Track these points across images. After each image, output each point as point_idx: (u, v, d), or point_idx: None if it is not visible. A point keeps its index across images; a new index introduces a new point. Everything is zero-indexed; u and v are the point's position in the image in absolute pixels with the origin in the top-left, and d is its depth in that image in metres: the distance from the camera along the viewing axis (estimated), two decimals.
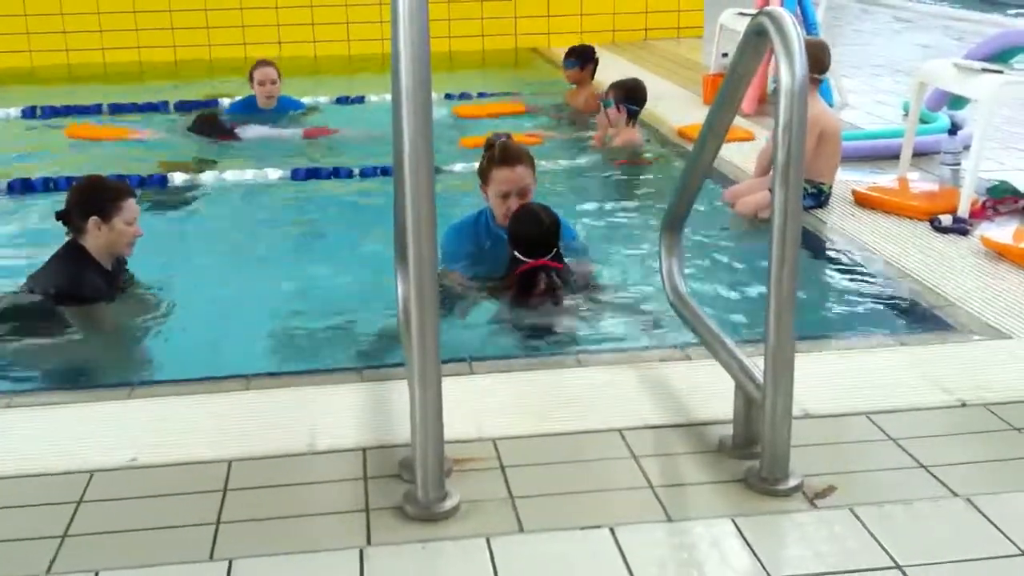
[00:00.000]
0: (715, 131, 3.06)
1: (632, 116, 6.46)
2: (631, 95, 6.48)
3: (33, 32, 10.86)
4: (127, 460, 2.81)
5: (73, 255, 4.03)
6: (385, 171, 5.82)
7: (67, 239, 4.07)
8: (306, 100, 8.16)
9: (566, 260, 4.14)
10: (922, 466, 2.74)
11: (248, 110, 7.65)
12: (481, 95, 8.73)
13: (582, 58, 7.67)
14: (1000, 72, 5.01)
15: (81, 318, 3.98)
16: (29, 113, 8.40)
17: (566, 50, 7.87)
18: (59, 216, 4.07)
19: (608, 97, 6.51)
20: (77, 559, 2.40)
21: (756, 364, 2.71)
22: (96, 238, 4.00)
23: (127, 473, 2.77)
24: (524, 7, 11.39)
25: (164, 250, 4.81)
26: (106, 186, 4.15)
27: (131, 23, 10.87)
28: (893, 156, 5.66)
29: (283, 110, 7.70)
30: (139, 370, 3.88)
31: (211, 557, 2.40)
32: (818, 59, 5.08)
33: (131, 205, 4.05)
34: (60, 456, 2.85)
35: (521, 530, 2.48)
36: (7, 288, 4.11)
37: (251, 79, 7.60)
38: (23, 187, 6.04)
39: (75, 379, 3.74)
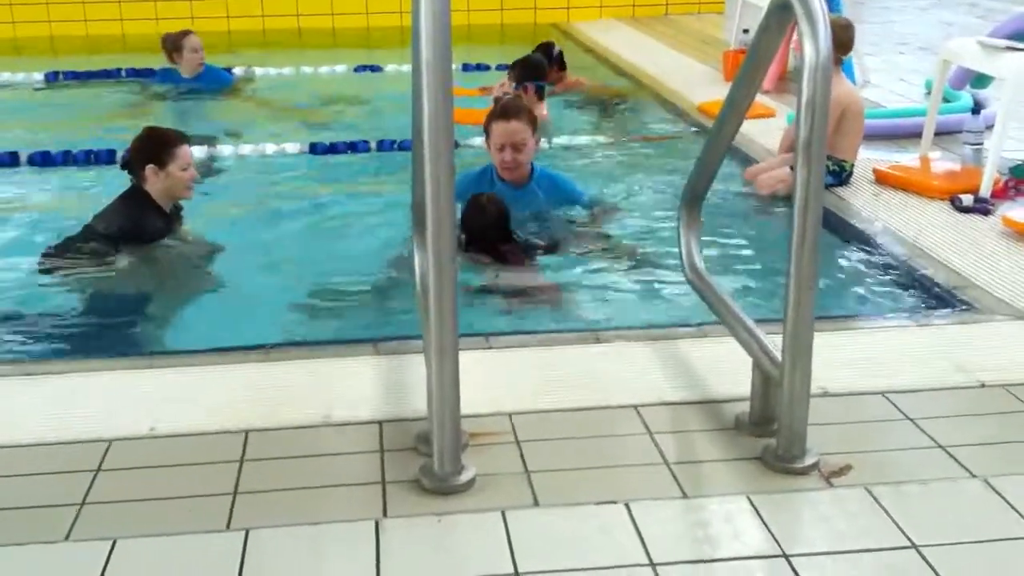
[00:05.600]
0: (736, 108, 3.03)
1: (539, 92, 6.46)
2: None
3: (52, 2, 10.85)
4: (145, 429, 2.83)
5: (136, 198, 4.35)
6: (403, 146, 5.81)
7: (131, 183, 4.37)
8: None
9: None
10: (939, 446, 2.73)
11: (175, 80, 7.81)
12: (500, 67, 8.69)
13: (547, 62, 7.25)
14: None
15: (138, 255, 4.29)
16: (52, 78, 8.51)
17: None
18: (123, 166, 4.41)
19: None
20: (95, 527, 2.42)
21: (774, 342, 2.69)
22: (155, 184, 4.32)
23: (145, 442, 2.78)
24: None
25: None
26: (159, 136, 4.44)
27: None
28: (915, 135, 5.61)
29: (208, 80, 7.83)
30: (156, 340, 3.90)
31: (228, 527, 2.41)
32: (841, 40, 5.03)
33: (184, 151, 4.35)
34: (79, 425, 2.86)
35: (536, 504, 2.49)
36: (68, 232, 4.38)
37: (176, 49, 7.65)
38: None
39: (90, 344, 3.77)
